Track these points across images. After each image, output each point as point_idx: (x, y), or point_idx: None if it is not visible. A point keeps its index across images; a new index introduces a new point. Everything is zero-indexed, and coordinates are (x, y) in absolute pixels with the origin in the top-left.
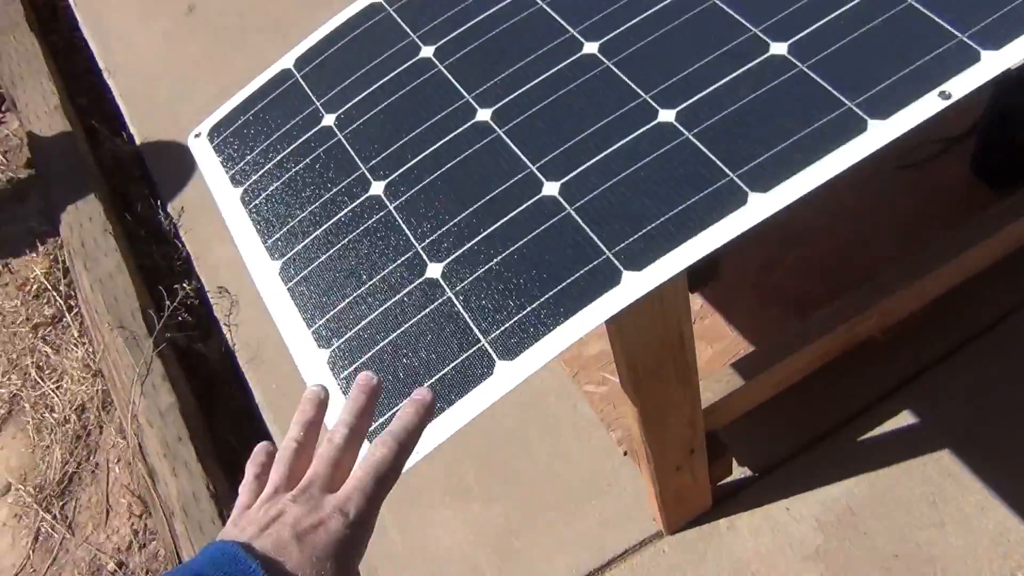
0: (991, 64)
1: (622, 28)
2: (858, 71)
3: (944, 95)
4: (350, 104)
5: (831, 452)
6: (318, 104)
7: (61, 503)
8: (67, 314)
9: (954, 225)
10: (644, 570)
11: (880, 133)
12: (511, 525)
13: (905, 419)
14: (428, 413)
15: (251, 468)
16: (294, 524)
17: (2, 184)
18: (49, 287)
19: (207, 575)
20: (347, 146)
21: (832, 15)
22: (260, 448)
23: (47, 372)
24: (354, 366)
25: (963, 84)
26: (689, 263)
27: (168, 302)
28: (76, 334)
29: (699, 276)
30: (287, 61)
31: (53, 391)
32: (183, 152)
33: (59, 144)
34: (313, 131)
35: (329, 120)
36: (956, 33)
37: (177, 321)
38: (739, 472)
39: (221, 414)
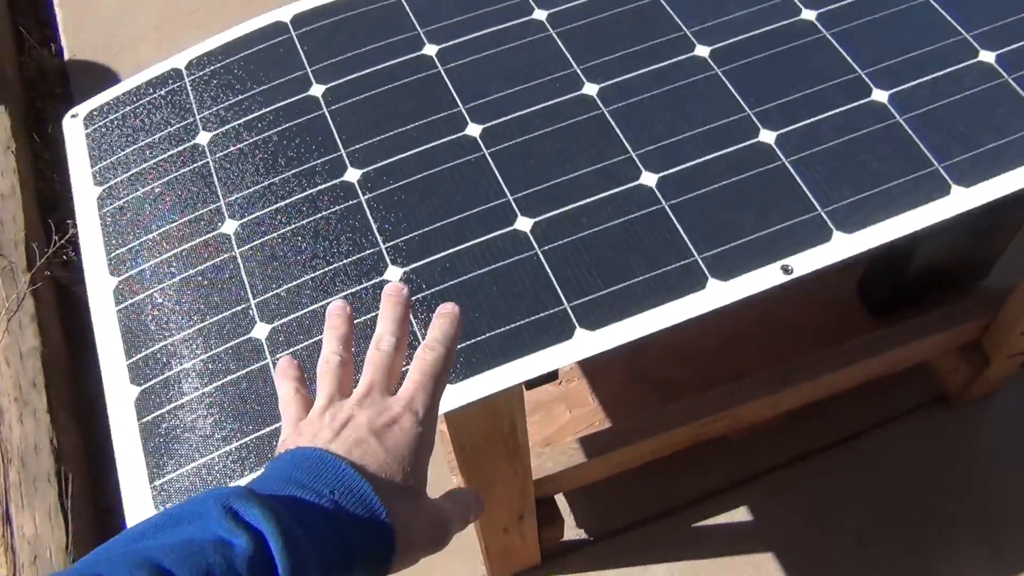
0: (840, 247)
1: (506, 118)
2: (715, 224)
3: (787, 269)
4: (229, 126)
5: (665, 532)
6: (197, 118)
7: None
8: None
9: (826, 342)
10: None
11: (717, 294)
12: None
13: (739, 515)
14: (460, 321)
15: (286, 383)
16: (369, 425)
17: None
18: None
19: (300, 479)
20: (213, 172)
21: (709, 156)
22: (286, 362)
23: None
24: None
25: (808, 261)
26: (515, 382)
27: (57, 237)
28: None
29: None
30: (179, 61)
31: None
32: (110, 76)
33: None
34: (185, 146)
35: (203, 139)
36: (817, 207)
37: (63, 260)
38: (575, 533)
39: (92, 366)
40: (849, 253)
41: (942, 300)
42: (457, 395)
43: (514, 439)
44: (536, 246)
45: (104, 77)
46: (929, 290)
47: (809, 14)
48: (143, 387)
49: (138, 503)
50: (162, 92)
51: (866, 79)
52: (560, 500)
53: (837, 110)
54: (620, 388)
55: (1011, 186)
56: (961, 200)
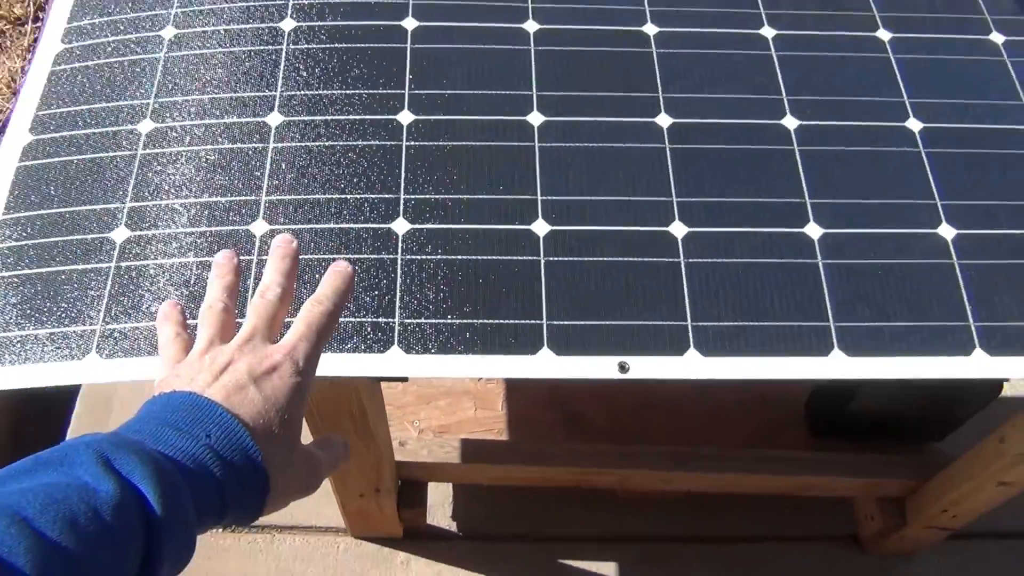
0: (681, 366)
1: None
2: (577, 294)
3: (623, 367)
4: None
5: (529, 555)
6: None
7: None
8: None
9: (755, 441)
10: (311, 549)
11: (545, 364)
12: None
13: (606, 568)
14: (352, 280)
15: (168, 325)
16: (249, 371)
17: None
18: None
19: (177, 422)
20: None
21: (605, 227)
22: (169, 305)
23: None
24: None
25: (645, 366)
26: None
27: None
28: None
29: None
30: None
31: None
32: None
33: None
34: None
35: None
36: (681, 321)
37: None
38: (448, 523)
39: None
40: (700, 374)
41: (886, 447)
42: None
43: (364, 420)
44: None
45: None
46: (869, 432)
47: (791, 122)
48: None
49: None
50: None
51: (809, 210)
52: (446, 486)
53: (771, 229)
54: (533, 407)
55: (884, 372)
56: (836, 367)
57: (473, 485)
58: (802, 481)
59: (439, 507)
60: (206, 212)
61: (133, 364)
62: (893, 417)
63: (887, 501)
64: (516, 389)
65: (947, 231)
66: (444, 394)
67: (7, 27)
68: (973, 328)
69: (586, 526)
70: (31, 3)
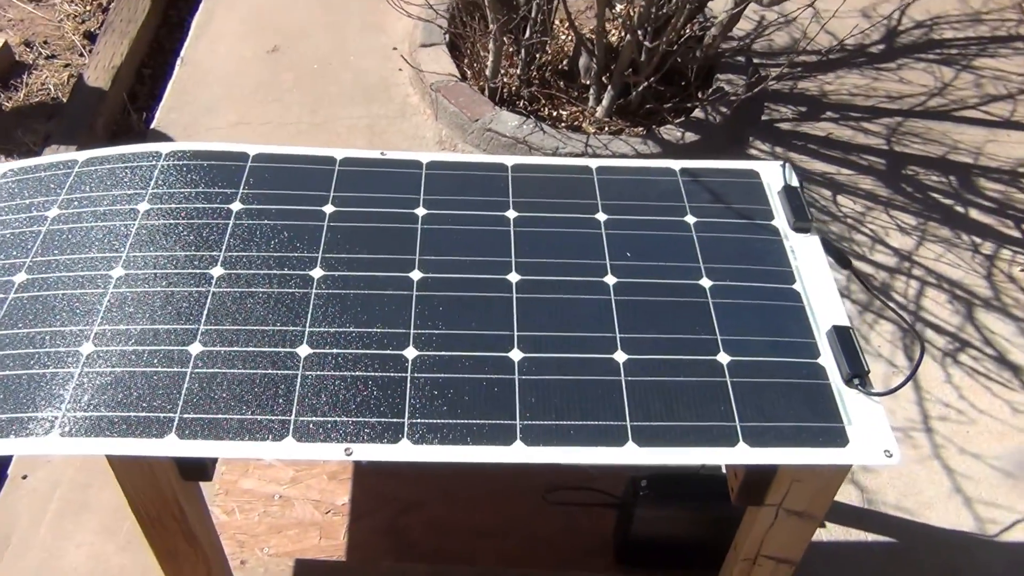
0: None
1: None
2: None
3: (348, 451)
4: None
5: None
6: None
7: None
8: None
9: (567, 565)
10: None
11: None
12: None
13: None
14: None
15: None
16: None
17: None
18: None
19: None
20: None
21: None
22: None
23: None
24: None
25: (367, 452)
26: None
27: None
28: None
29: (190, 471)
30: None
31: None
32: None
33: (92, 95)
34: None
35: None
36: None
37: None
38: None
39: None
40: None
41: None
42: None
43: (184, 521)
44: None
45: None
46: (659, 559)
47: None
48: None
49: None
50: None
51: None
52: None
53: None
54: (371, 535)
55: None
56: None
57: None
58: None
59: None
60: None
61: None
62: (672, 543)
63: None
64: (358, 519)
65: (620, 356)
66: (294, 524)
67: None
68: (628, 429)
69: None
70: None
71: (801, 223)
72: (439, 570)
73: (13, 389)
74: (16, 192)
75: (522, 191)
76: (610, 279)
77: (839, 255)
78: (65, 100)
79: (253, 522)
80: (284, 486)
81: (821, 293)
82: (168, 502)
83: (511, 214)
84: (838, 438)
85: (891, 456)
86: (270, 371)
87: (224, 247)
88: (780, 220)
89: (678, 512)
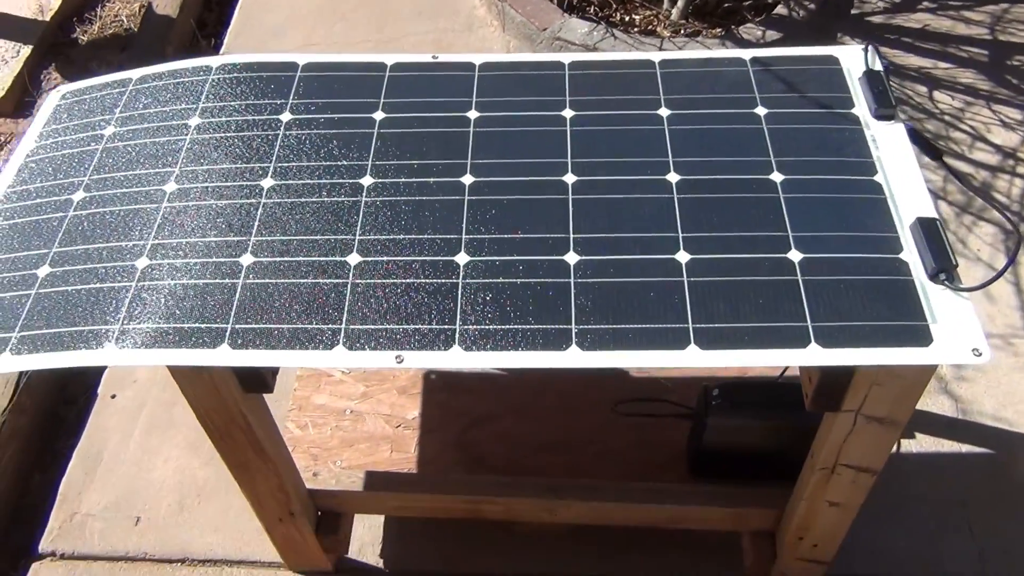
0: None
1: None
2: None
3: (399, 359)
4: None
5: None
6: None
7: None
8: None
9: (637, 478)
10: None
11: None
12: None
13: None
14: None
15: None
16: None
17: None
18: None
19: None
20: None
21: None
22: None
23: None
24: None
25: (418, 359)
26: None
27: None
28: None
29: (250, 383)
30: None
31: None
32: None
33: (161, 23)
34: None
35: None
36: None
37: None
38: (377, 560)
39: None
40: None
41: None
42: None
43: (252, 433)
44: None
45: None
46: (731, 469)
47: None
48: None
49: None
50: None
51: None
52: (376, 530)
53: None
54: (442, 450)
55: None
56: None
57: (403, 524)
58: (672, 511)
59: (370, 545)
60: None
61: None
62: (746, 453)
63: (759, 535)
64: (428, 433)
65: (683, 256)
66: (365, 438)
67: None
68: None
69: (510, 564)
70: None
71: (884, 110)
72: (508, 481)
73: (73, 304)
74: (74, 113)
75: (580, 89)
76: (672, 176)
77: (928, 146)
78: (136, 30)
79: (326, 436)
80: (355, 401)
81: (906, 184)
82: (233, 414)
83: (568, 113)
84: (921, 337)
85: (980, 355)
86: (320, 280)
87: (274, 158)
88: (861, 108)
89: (751, 421)
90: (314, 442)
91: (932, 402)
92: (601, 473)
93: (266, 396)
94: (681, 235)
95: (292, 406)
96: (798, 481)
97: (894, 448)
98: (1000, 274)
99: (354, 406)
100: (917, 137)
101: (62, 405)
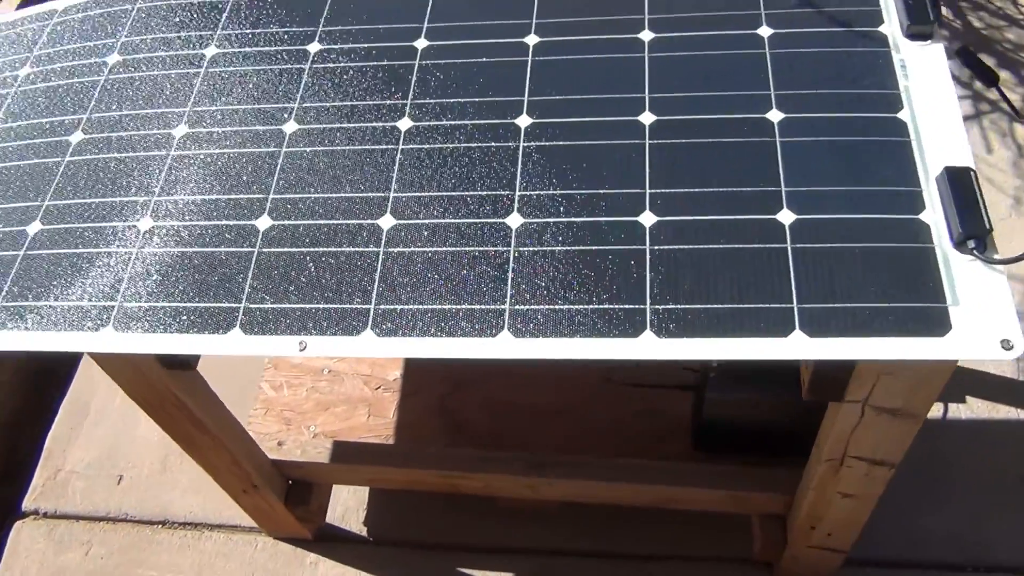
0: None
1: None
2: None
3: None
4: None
5: (432, 563)
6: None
7: None
8: None
9: (634, 451)
10: (232, 547)
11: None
12: None
13: None
14: None
15: None
16: None
17: None
18: None
19: None
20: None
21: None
22: None
23: None
24: None
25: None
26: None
27: None
28: None
29: (170, 362)
30: None
31: None
32: None
33: None
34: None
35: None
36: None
37: None
38: (361, 528)
39: None
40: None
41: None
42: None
43: (187, 410)
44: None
45: None
46: (737, 444)
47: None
48: None
49: None
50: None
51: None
52: (361, 495)
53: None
54: (423, 414)
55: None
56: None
57: (388, 492)
58: (666, 492)
59: (354, 511)
60: None
61: None
62: (751, 428)
63: (768, 518)
64: (409, 396)
65: (648, 219)
66: (343, 400)
67: None
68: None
69: (496, 537)
70: None
71: (918, 26)
72: (486, 456)
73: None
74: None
75: (549, 10)
76: (647, 117)
77: (982, 68)
78: None
79: (300, 398)
80: (334, 359)
81: (938, 124)
82: (160, 391)
83: (531, 40)
84: (935, 323)
85: (1011, 347)
86: (225, 249)
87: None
88: (892, 24)
89: (752, 397)
90: (288, 404)
91: (989, 361)
92: (593, 446)
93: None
94: (648, 191)
95: (268, 364)
96: (806, 469)
97: (939, 413)
98: None
99: (332, 365)
100: (970, 58)
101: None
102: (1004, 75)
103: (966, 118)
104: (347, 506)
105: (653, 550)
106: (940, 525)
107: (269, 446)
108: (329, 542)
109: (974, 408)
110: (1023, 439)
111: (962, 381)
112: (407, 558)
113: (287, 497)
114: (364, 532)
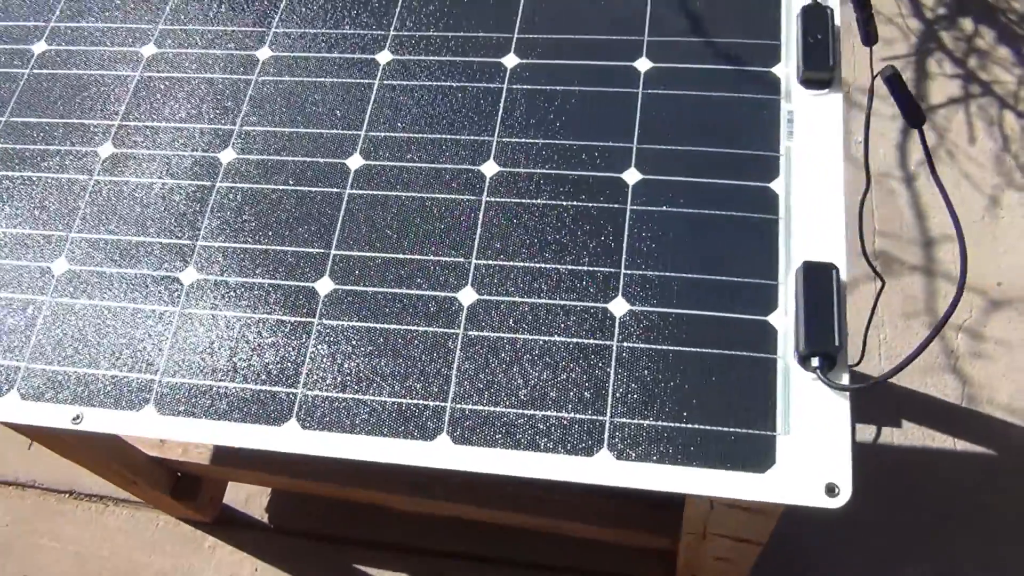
0: None
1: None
2: None
3: None
4: None
5: (327, 555)
6: None
7: None
8: None
9: None
10: (135, 523)
11: None
12: None
13: None
14: None
15: None
16: None
17: None
18: None
19: None
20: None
21: None
22: None
23: None
24: None
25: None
26: None
27: None
28: None
29: None
30: None
31: None
32: None
33: None
34: None
35: None
36: None
37: None
38: (262, 514)
39: None
40: None
41: None
42: None
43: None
44: None
45: None
46: None
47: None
48: None
49: None
50: None
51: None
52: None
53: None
54: None
55: None
56: None
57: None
58: (552, 523)
59: (256, 497)
60: None
61: None
62: None
63: (663, 553)
64: None
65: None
66: None
67: None
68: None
69: (394, 535)
70: None
71: (814, 72)
72: (371, 472)
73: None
74: None
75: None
76: (489, 167)
77: (909, 105)
78: None
79: None
80: None
81: (816, 199)
82: None
83: (383, 56)
84: (759, 455)
85: (836, 495)
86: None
87: None
88: (788, 64)
89: None
90: None
91: (933, 382)
92: None
93: None
94: (474, 260)
95: None
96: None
97: (871, 438)
98: (915, 355)
99: None
100: (897, 87)
101: None
102: (1003, 52)
103: (953, 100)
104: (251, 491)
105: (554, 561)
106: (854, 566)
107: (152, 443)
108: (229, 527)
109: (910, 435)
110: (960, 471)
111: (901, 400)
112: (304, 549)
113: (176, 490)
114: (265, 519)
